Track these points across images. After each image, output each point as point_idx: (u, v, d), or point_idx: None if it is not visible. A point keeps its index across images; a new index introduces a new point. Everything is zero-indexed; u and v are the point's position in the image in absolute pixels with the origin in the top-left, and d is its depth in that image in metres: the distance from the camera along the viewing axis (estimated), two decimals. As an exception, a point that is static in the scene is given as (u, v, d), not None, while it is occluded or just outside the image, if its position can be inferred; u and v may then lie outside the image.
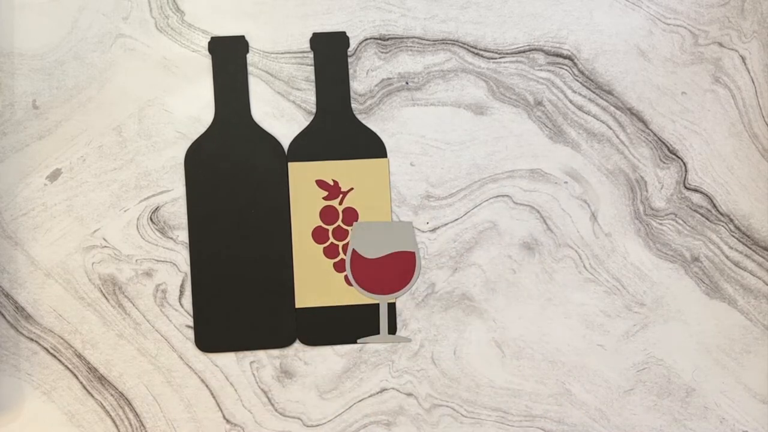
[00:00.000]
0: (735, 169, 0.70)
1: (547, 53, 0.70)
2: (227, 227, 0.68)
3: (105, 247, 0.68)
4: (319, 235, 0.68)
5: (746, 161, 0.70)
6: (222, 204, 0.68)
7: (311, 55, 0.69)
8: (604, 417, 0.69)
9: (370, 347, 0.69)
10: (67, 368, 0.67)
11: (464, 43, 0.69)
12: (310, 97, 0.69)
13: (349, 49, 0.69)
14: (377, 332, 0.69)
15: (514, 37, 0.70)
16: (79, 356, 0.68)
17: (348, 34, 0.69)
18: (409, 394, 0.69)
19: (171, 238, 0.68)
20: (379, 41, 0.69)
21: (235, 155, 0.68)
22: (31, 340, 0.67)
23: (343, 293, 0.68)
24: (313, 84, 0.69)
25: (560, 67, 0.70)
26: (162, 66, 0.69)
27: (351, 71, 0.69)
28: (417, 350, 0.69)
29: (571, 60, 0.70)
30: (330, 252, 0.68)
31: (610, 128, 0.70)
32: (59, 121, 0.68)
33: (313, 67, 0.69)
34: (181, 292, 0.68)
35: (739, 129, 0.70)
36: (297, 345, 0.68)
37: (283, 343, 0.68)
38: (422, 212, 0.69)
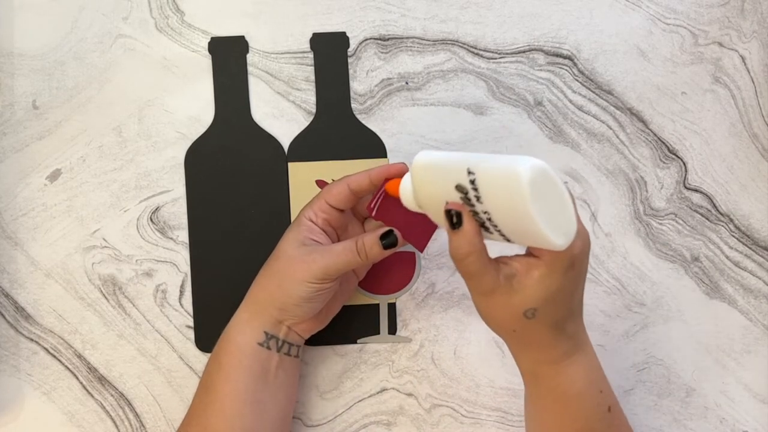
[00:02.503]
0: (735, 169, 0.70)
1: (547, 53, 0.70)
2: (227, 227, 0.68)
3: (105, 247, 0.68)
4: (319, 235, 0.68)
5: (746, 161, 0.70)
6: (222, 204, 0.68)
7: (311, 55, 0.69)
8: (604, 417, 0.69)
9: (370, 347, 0.69)
10: (67, 368, 0.67)
11: (464, 43, 0.69)
12: (310, 97, 0.69)
13: (349, 50, 0.69)
14: (377, 332, 0.69)
15: (513, 37, 0.70)
16: (79, 356, 0.68)
17: (348, 34, 0.69)
18: (410, 394, 0.69)
19: (171, 239, 0.68)
20: (379, 41, 0.69)
21: (235, 155, 0.68)
22: (31, 340, 0.67)
23: (343, 293, 0.68)
24: (313, 84, 0.69)
25: (560, 67, 0.70)
26: (162, 66, 0.69)
27: (351, 71, 0.69)
28: (417, 350, 0.69)
29: (571, 60, 0.70)
30: (330, 252, 0.68)
31: (610, 128, 0.70)
32: (59, 121, 0.68)
33: (313, 67, 0.69)
34: (181, 292, 0.68)
35: (739, 129, 0.70)
36: (297, 345, 0.68)
37: (283, 343, 0.68)
38: (422, 212, 0.69)
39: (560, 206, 0.48)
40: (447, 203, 0.51)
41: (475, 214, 0.50)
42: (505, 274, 0.51)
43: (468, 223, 0.50)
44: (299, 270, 0.58)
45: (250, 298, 0.61)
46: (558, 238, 0.47)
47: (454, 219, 0.50)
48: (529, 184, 0.45)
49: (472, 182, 0.48)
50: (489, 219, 0.49)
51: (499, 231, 0.50)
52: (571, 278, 0.52)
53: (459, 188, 0.49)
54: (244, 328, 0.60)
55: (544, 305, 0.51)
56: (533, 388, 0.57)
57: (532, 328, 0.52)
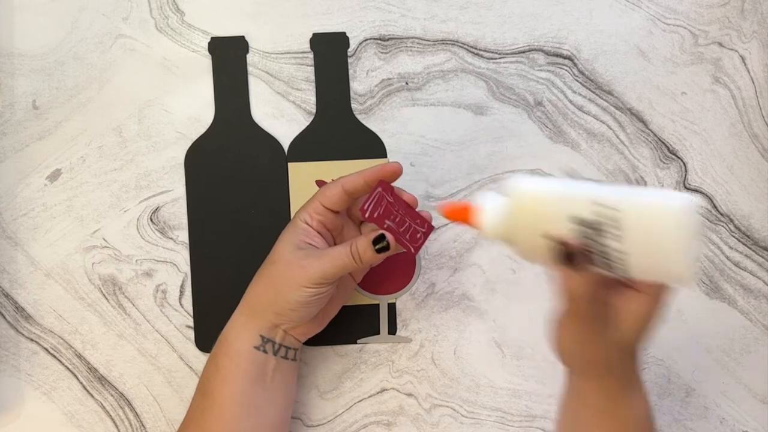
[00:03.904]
0: (735, 169, 0.70)
1: (547, 53, 0.70)
2: (227, 227, 0.68)
3: (105, 247, 0.68)
4: (319, 235, 0.68)
5: (746, 161, 0.70)
6: (222, 204, 0.68)
7: (311, 55, 0.69)
8: (604, 417, 0.69)
9: (370, 347, 0.69)
10: (67, 368, 0.67)
11: (464, 44, 0.69)
12: (310, 97, 0.69)
13: (349, 50, 0.69)
14: (377, 332, 0.69)
15: (514, 38, 0.70)
16: (79, 356, 0.68)
17: (348, 35, 0.69)
18: (410, 395, 0.69)
19: (171, 239, 0.68)
20: (379, 41, 0.69)
21: (235, 155, 0.68)
22: (31, 340, 0.67)
23: (343, 293, 0.68)
24: (313, 84, 0.69)
25: (560, 68, 0.70)
26: (162, 66, 0.69)
27: (351, 71, 0.69)
28: (417, 350, 0.69)
29: (571, 60, 0.70)
30: (330, 252, 0.68)
31: (610, 128, 0.70)
32: (59, 122, 0.68)
33: (313, 67, 0.69)
34: (181, 292, 0.68)
35: (739, 129, 0.70)
36: (297, 345, 0.68)
37: (283, 343, 0.68)
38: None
39: (695, 241, 0.46)
40: (559, 237, 0.47)
41: (591, 248, 0.47)
42: (609, 312, 0.50)
43: (586, 263, 0.47)
44: (296, 275, 0.58)
45: (246, 301, 0.61)
46: (692, 274, 0.46)
47: (570, 257, 0.47)
48: (689, 221, 0.44)
49: (599, 215, 0.45)
50: (608, 253, 0.46)
51: (617, 264, 0.47)
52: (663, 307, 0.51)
53: (580, 222, 0.46)
54: (241, 331, 0.60)
55: (639, 339, 0.51)
56: (591, 413, 0.54)
57: (622, 360, 0.52)
